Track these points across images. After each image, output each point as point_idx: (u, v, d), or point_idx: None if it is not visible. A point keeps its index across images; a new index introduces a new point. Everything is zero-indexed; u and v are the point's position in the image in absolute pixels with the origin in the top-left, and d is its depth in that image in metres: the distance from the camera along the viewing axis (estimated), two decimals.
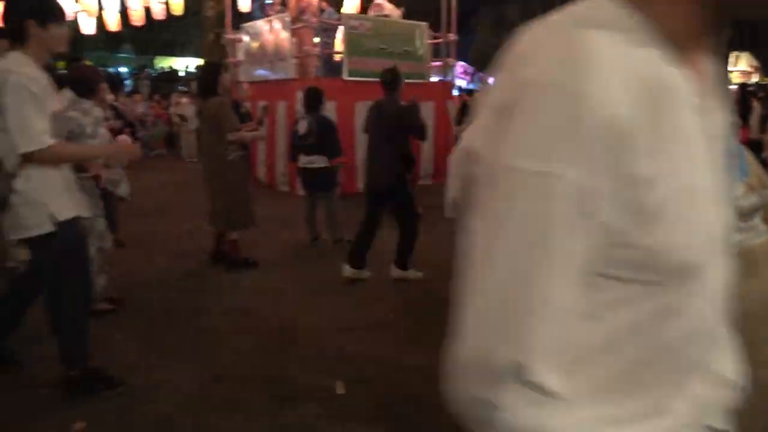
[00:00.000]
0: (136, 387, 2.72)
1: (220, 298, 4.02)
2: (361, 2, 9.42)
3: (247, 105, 7.76)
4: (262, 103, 7.45)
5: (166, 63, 30.19)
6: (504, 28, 29.05)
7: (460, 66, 19.44)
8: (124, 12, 10.76)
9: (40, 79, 2.34)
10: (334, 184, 5.18)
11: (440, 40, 9.57)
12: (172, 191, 8.26)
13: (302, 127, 5.12)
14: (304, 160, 5.13)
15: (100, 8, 10.57)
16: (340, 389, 2.73)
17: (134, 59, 29.92)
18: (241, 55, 9.78)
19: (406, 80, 8.50)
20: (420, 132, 4.51)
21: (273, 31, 8.53)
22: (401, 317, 3.70)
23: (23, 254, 2.78)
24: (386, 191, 4.22)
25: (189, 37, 26.42)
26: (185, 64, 28.89)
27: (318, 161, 5.07)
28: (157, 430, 2.43)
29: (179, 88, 16.36)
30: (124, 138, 4.83)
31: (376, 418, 2.52)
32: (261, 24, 9.04)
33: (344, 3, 9.22)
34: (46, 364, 2.76)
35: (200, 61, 11.36)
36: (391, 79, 4.48)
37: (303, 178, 5.42)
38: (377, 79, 8.59)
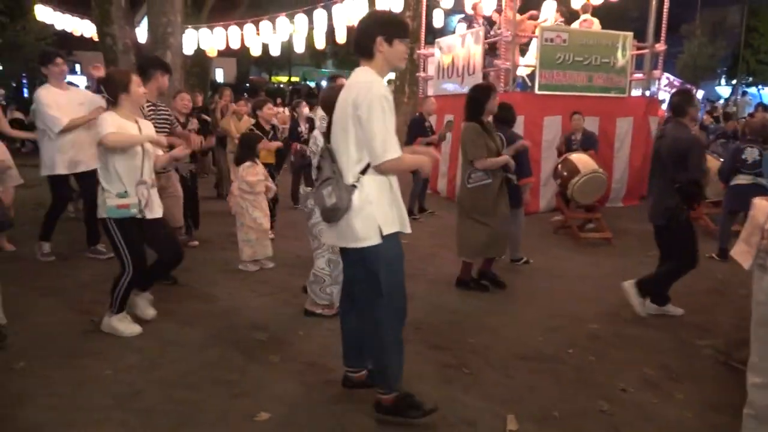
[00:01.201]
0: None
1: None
2: (560, 13, 9.05)
3: (432, 119, 7.92)
4: (448, 117, 7.59)
5: None
6: (723, 34, 25.73)
7: (664, 78, 17.62)
8: (330, 31, 11.78)
9: (390, 92, 2.40)
10: (520, 202, 5.00)
11: (645, 51, 8.77)
12: None
13: None
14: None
15: (310, 29, 11.73)
16: None
17: (335, 73, 32.72)
18: (431, 70, 10.05)
19: (603, 94, 8.13)
20: (691, 173, 3.79)
21: (465, 45, 8.61)
22: None
23: None
24: (662, 224, 3.90)
25: None
26: None
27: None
28: None
29: None
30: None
31: None
32: (454, 38, 9.19)
33: (540, 15, 8.95)
34: None
35: (392, 75, 11.86)
36: (678, 102, 3.96)
37: None
38: (568, 93, 8.21)
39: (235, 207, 4.82)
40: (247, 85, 27.72)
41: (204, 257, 5.22)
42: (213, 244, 5.73)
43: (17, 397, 2.72)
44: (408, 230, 2.52)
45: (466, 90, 8.38)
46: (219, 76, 27.98)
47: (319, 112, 3.80)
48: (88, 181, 4.53)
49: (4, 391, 2.77)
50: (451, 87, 9.07)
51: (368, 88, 2.33)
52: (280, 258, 5.06)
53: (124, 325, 3.44)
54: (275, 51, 12.81)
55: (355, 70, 2.49)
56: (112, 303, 3.43)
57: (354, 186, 2.37)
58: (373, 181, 2.39)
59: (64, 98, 4.73)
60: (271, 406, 2.68)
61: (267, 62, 31.14)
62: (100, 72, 7.11)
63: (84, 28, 14.10)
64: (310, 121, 6.33)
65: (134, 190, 3.32)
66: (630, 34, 8.30)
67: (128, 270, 3.37)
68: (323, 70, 35.56)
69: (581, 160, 6.25)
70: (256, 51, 12.76)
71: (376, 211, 2.38)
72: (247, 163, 4.80)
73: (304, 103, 8.39)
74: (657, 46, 8.62)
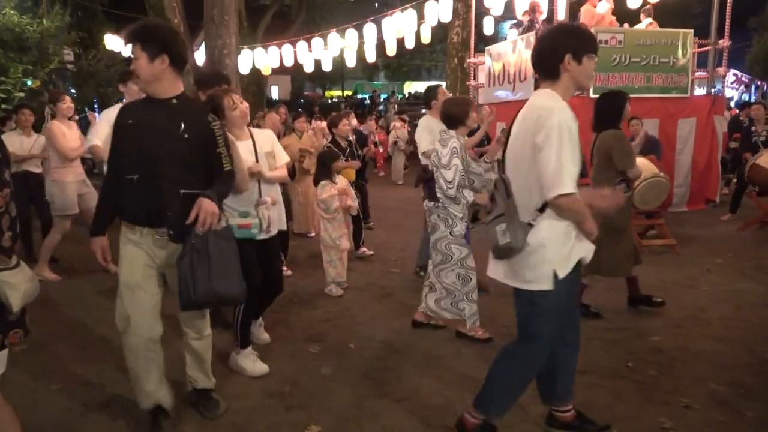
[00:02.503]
0: None
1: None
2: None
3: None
4: (501, 125, 7.49)
5: (413, 87, 32.58)
6: None
7: (732, 74, 16.73)
8: (380, 44, 11.91)
9: (574, 120, 2.12)
10: None
11: (708, 48, 8.36)
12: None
13: None
14: None
15: (361, 43, 11.90)
16: None
17: (386, 85, 33.00)
18: (482, 78, 9.97)
19: (663, 95, 7.80)
20: None
21: (516, 51, 8.50)
22: None
23: None
24: None
25: (435, 62, 28.14)
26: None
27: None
28: None
29: (422, 111, 17.39)
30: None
31: None
32: (504, 45, 9.08)
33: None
34: None
35: (444, 85, 11.95)
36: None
37: None
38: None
39: (318, 227, 4.78)
40: (302, 100, 28.39)
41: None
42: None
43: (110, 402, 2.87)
44: (587, 260, 2.29)
45: (518, 97, 8.32)
46: (274, 93, 28.80)
47: (440, 125, 3.75)
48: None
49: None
50: (503, 94, 8.96)
51: (548, 115, 2.09)
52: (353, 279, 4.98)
53: (250, 364, 3.19)
54: (327, 66, 13.07)
55: (535, 92, 2.28)
56: (235, 338, 3.21)
57: (530, 225, 2.17)
58: (552, 221, 2.16)
59: None
60: (321, 419, 2.71)
61: (320, 77, 31.81)
62: None
63: None
64: (357, 133, 6.37)
65: (255, 210, 3.10)
66: (690, 31, 7.94)
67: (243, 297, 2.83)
68: (375, 82, 35.97)
69: (641, 164, 6.00)
70: (309, 67, 13.06)
71: (551, 255, 2.17)
72: (324, 182, 4.68)
73: (352, 114, 8.50)
74: (721, 42, 8.20)
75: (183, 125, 2.41)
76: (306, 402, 2.89)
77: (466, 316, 3.65)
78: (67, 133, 5.08)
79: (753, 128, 7.90)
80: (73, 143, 5.11)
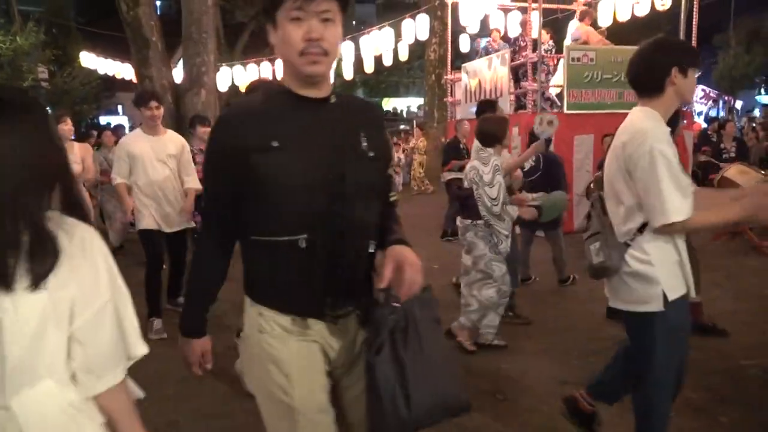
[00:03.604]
0: None
1: None
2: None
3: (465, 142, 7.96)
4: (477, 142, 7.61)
5: (391, 104, 32.89)
6: (760, 42, 25.04)
7: (700, 90, 17.25)
8: (358, 61, 12.04)
9: (669, 143, 1.99)
10: (560, 221, 4.94)
11: None
12: None
13: (527, 164, 4.90)
14: (529, 197, 4.95)
15: (338, 60, 12.02)
16: None
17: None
18: (459, 94, 10.13)
19: None
20: None
21: (492, 68, 8.67)
22: None
23: None
24: None
25: (413, 78, 28.47)
26: (407, 104, 31.09)
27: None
28: None
29: (401, 127, 17.59)
30: None
31: None
32: (480, 62, 9.26)
33: (567, 36, 8.96)
34: None
35: (421, 101, 12.03)
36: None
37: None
38: (597, 111, 8.19)
39: None
40: None
41: None
42: None
43: None
44: (693, 294, 2.14)
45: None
46: None
47: (476, 144, 3.75)
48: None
49: None
50: None
51: (641, 141, 1.98)
52: None
53: None
54: None
55: (634, 109, 2.17)
56: None
57: (627, 245, 2.07)
58: (654, 241, 2.04)
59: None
60: None
61: None
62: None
63: (125, 71, 14.82)
64: None
65: None
66: None
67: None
68: None
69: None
70: None
71: (658, 273, 2.03)
72: None
73: None
74: None
75: (364, 137, 1.47)
76: None
77: (483, 325, 3.66)
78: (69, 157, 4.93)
79: (722, 145, 8.32)
80: (77, 167, 4.90)
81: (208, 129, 5.62)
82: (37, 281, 1.04)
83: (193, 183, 4.30)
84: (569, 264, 5.18)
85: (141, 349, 1.23)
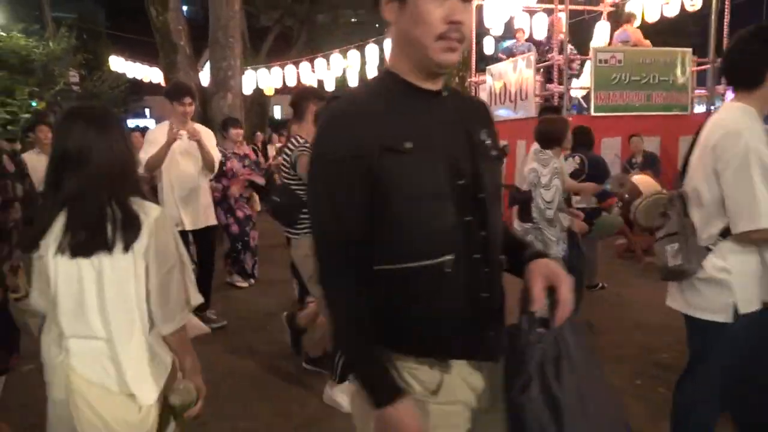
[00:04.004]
0: None
1: None
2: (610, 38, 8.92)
3: None
4: (502, 143, 7.54)
5: None
6: None
7: (730, 92, 16.85)
8: (382, 64, 12.05)
9: (765, 141, 1.85)
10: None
11: (707, 66, 8.45)
12: None
13: (571, 166, 4.72)
14: (575, 200, 4.69)
15: (363, 63, 12.07)
16: None
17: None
18: (484, 97, 10.07)
19: (663, 112, 7.87)
20: None
21: (517, 70, 8.59)
22: None
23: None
24: None
25: None
26: None
27: (587, 201, 4.73)
28: None
29: None
30: None
31: None
32: (505, 65, 9.19)
33: (593, 37, 8.85)
34: None
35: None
36: None
37: None
38: (625, 113, 8.03)
39: None
40: None
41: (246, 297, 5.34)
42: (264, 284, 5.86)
43: None
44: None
45: (519, 116, 8.39)
46: (277, 113, 29.08)
47: (535, 146, 3.69)
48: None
49: None
50: (504, 113, 9.04)
51: (734, 140, 1.84)
52: None
53: (347, 399, 2.85)
54: (330, 86, 13.22)
55: (726, 104, 2.05)
56: (332, 371, 2.99)
57: (708, 249, 1.95)
58: (736, 248, 1.92)
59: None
60: None
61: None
62: None
63: (153, 75, 15.09)
64: None
65: None
66: (689, 50, 8.04)
67: None
68: None
69: (643, 181, 5.99)
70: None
71: (734, 283, 1.92)
72: None
73: None
74: (719, 60, 8.29)
75: (485, 133, 1.26)
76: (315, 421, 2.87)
77: None
78: None
79: None
80: None
81: (241, 131, 5.68)
82: (127, 246, 1.49)
83: (216, 153, 4.40)
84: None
85: (198, 298, 1.70)
